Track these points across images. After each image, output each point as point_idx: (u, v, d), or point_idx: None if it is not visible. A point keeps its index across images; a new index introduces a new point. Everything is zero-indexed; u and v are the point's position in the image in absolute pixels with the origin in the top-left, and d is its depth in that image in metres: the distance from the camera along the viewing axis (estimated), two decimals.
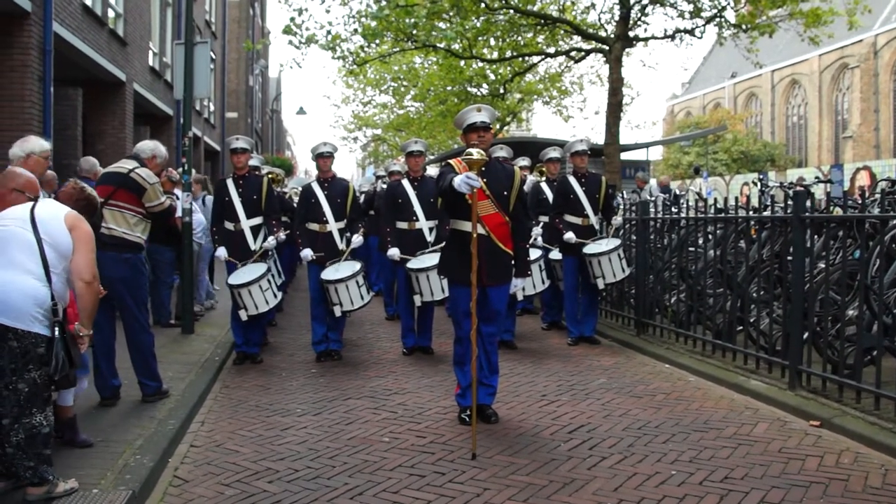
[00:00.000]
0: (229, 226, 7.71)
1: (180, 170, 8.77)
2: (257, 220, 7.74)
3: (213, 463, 4.64)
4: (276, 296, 7.58)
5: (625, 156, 18.47)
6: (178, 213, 8.32)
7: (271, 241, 7.68)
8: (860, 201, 5.81)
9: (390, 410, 5.79)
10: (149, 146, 6.11)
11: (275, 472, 4.44)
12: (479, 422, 5.21)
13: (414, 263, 7.68)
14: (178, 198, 6.65)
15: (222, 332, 8.89)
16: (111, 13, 15.03)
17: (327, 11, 16.57)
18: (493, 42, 17.11)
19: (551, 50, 17.52)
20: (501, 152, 8.81)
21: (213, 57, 24.65)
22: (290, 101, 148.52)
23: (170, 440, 4.87)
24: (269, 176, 9.09)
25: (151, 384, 5.81)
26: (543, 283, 8.49)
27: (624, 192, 13.70)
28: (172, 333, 8.71)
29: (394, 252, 7.92)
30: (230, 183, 7.78)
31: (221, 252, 7.63)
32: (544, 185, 9.35)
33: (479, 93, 20.76)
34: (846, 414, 5.24)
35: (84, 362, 4.80)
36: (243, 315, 7.32)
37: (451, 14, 14.31)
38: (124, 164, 5.88)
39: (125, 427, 5.10)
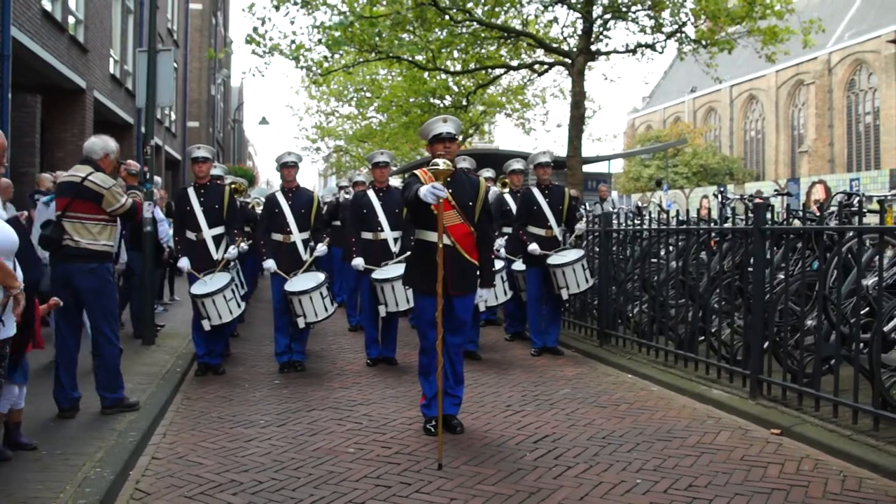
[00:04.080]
0: (191, 235, 7.63)
1: (141, 170, 8.65)
2: (219, 230, 7.67)
3: (175, 475, 4.57)
4: (239, 306, 7.51)
5: (587, 168, 18.64)
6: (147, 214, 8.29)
7: (232, 251, 7.60)
8: (818, 214, 5.92)
9: (355, 421, 5.76)
10: (98, 145, 5.83)
11: (239, 484, 4.39)
12: (445, 432, 5.20)
13: (379, 274, 7.67)
14: (141, 191, 6.42)
15: (184, 342, 8.79)
16: (71, 19, 14.83)
17: (291, 22, 16.51)
18: (456, 54, 17.18)
19: (514, 63, 17.66)
20: (464, 164, 8.83)
21: (176, 66, 24.43)
22: (253, 112, 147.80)
23: (131, 453, 4.78)
24: (233, 186, 9.03)
25: (111, 396, 5.72)
26: (506, 293, 8.53)
27: (586, 203, 13.83)
28: (133, 345, 8.58)
29: (358, 262, 7.90)
30: (191, 192, 7.70)
31: (184, 263, 7.54)
32: (508, 197, 9.39)
33: (442, 104, 20.84)
34: (806, 422, 5.32)
35: (24, 370, 4.70)
36: (206, 325, 7.24)
37: (414, 25, 14.35)
38: (77, 172, 5.67)
39: (85, 439, 5.00)
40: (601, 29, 14.65)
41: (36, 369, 6.34)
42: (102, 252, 5.65)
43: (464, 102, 19.60)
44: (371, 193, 8.18)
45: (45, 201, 8.63)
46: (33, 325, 4.52)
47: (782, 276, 6.11)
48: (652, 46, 14.85)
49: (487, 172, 10.27)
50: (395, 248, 8.01)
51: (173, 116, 27.07)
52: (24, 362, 4.63)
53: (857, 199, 6.41)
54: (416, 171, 5.45)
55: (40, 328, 4.74)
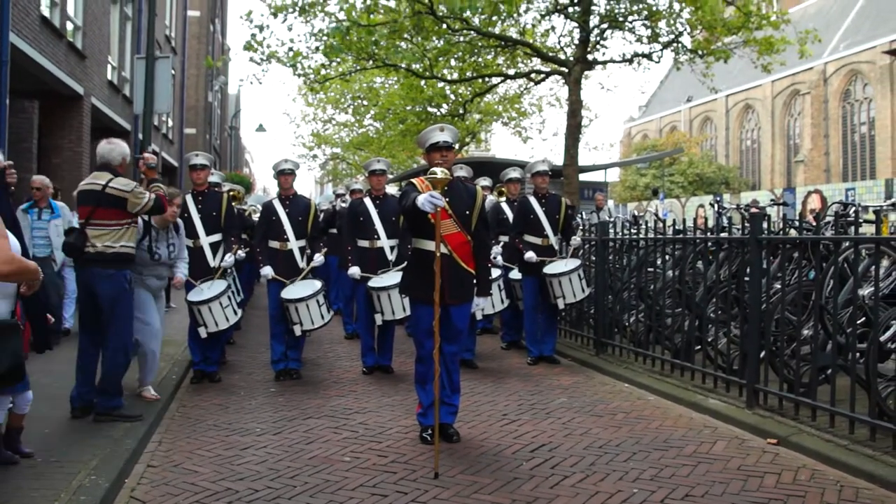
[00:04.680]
0: (188, 242, 7.61)
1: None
2: (217, 237, 7.66)
3: (171, 483, 4.56)
4: (236, 313, 7.49)
5: (583, 177, 18.67)
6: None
7: (229, 258, 7.60)
8: (814, 224, 5.93)
9: (351, 430, 5.75)
10: (115, 151, 5.86)
11: (234, 493, 4.38)
12: (441, 441, 5.18)
13: (375, 282, 7.66)
14: (164, 183, 6.39)
15: (179, 350, 8.76)
16: (69, 25, 14.83)
17: (289, 29, 16.49)
18: (453, 63, 17.22)
19: (511, 71, 17.69)
20: (462, 172, 8.86)
21: (173, 72, 24.45)
22: (249, 119, 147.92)
23: (126, 460, 4.77)
24: (231, 193, 9.02)
25: (104, 403, 5.69)
26: (503, 302, 8.52)
27: (583, 212, 13.85)
28: None
29: (354, 271, 7.87)
30: (189, 199, 7.70)
31: None
32: (505, 205, 9.39)
33: (438, 113, 20.84)
34: (802, 432, 5.32)
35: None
36: (203, 332, 7.22)
37: (412, 34, 14.38)
38: (98, 180, 5.71)
39: (80, 447, 4.98)
40: (598, 38, 14.69)
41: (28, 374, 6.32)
42: (122, 255, 5.70)
43: (461, 111, 19.61)
44: (368, 201, 8.16)
45: (24, 209, 8.64)
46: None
47: (779, 286, 6.13)
48: (648, 56, 14.90)
49: (484, 181, 10.29)
50: (391, 257, 7.99)
51: (170, 123, 27.06)
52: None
53: (854, 209, 6.43)
54: (413, 180, 5.45)
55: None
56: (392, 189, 14.42)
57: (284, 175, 7.92)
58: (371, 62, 14.96)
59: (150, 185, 6.12)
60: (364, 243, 8.01)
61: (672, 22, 14.44)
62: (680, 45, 14.73)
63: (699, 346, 7.09)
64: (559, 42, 16.20)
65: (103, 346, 5.76)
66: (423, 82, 17.45)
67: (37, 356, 4.93)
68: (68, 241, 5.70)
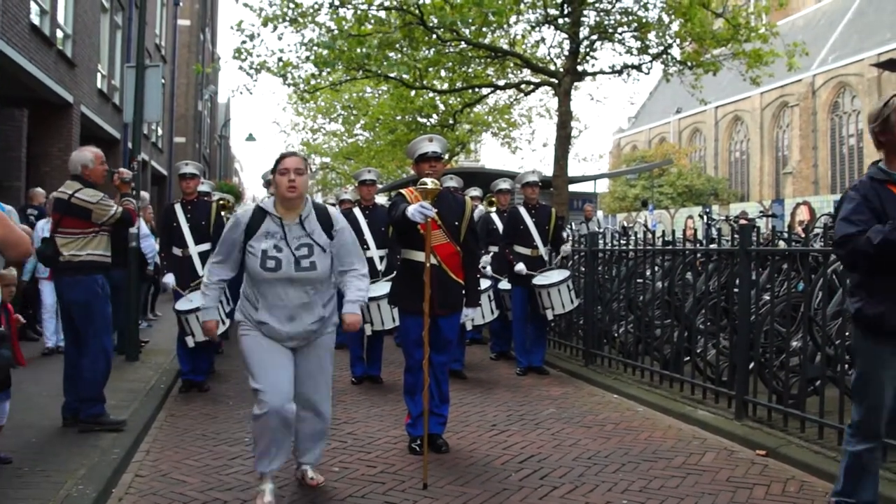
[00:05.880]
0: (177, 251, 7.61)
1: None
2: (205, 246, 7.64)
3: (158, 493, 4.53)
4: (224, 322, 7.46)
5: (573, 188, 18.71)
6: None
7: None
8: (803, 235, 5.96)
9: (339, 440, 5.73)
10: (75, 159, 5.81)
11: (223, 503, 4.35)
12: (430, 451, 5.17)
13: None
14: (134, 198, 6.32)
15: (168, 359, 8.73)
16: (59, 34, 14.81)
17: (279, 38, 16.42)
18: (443, 73, 17.24)
19: (501, 82, 17.74)
20: (452, 182, 8.87)
21: (163, 81, 24.41)
22: (239, 128, 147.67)
23: (114, 470, 4.74)
24: (220, 202, 9.02)
25: (87, 410, 5.66)
26: (493, 313, 8.51)
27: (573, 223, 13.87)
28: (117, 361, 8.49)
29: None
30: (178, 208, 7.69)
31: (169, 279, 7.52)
32: (494, 216, 9.41)
33: (428, 123, 20.87)
34: (791, 443, 5.33)
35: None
36: (190, 342, 7.20)
37: (402, 44, 14.41)
38: (66, 189, 5.74)
39: (67, 456, 4.95)
40: (588, 50, 14.75)
41: (16, 383, 6.27)
42: (90, 262, 5.67)
43: (450, 121, 19.64)
44: (357, 211, 8.16)
45: None
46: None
47: (768, 297, 6.15)
48: (638, 67, 14.97)
49: (474, 191, 10.30)
50: (380, 267, 7.98)
51: (160, 132, 27.01)
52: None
53: None
54: (403, 191, 5.46)
55: (18, 344, 4.73)
56: (381, 199, 14.42)
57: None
58: (361, 72, 14.98)
59: (121, 198, 6.13)
60: None
61: (661, 34, 14.52)
62: (669, 56, 14.81)
63: (688, 358, 7.11)
64: (549, 53, 16.25)
65: (84, 354, 5.74)
66: (412, 92, 17.48)
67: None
68: (40, 250, 5.72)
